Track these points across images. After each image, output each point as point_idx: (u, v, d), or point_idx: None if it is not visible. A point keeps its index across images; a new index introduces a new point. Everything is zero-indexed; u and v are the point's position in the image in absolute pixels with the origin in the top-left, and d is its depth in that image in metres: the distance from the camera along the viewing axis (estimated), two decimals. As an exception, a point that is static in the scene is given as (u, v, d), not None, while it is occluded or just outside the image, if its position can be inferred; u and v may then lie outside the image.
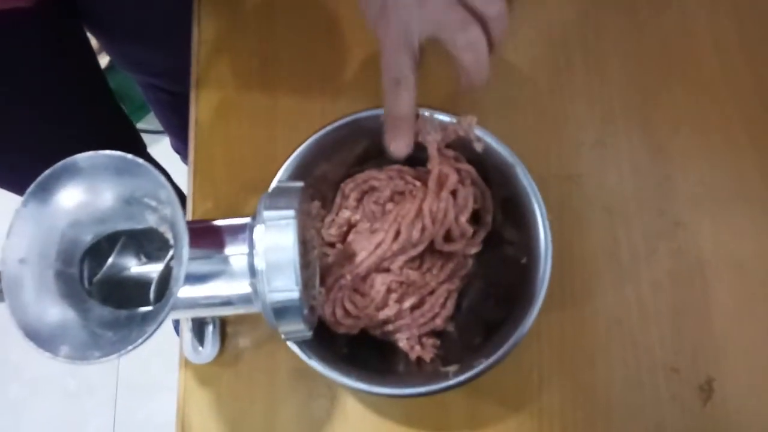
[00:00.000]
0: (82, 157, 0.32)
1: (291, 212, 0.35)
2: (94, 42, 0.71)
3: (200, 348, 0.46)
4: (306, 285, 0.37)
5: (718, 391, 0.44)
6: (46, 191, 0.32)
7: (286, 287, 0.34)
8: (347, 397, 0.46)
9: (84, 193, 0.33)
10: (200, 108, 0.53)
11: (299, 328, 0.36)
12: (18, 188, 0.71)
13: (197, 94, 0.54)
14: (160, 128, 1.27)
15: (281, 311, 0.35)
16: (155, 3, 0.65)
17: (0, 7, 0.52)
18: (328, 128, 0.44)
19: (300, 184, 0.38)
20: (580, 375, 0.45)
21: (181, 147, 1.19)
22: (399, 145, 0.41)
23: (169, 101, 0.92)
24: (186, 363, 0.47)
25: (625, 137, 0.51)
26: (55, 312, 0.32)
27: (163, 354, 1.21)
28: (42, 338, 0.31)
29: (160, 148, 1.34)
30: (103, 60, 0.82)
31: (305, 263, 0.37)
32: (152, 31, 0.67)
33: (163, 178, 0.32)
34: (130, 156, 0.32)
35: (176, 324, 1.26)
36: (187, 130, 0.54)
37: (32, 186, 0.32)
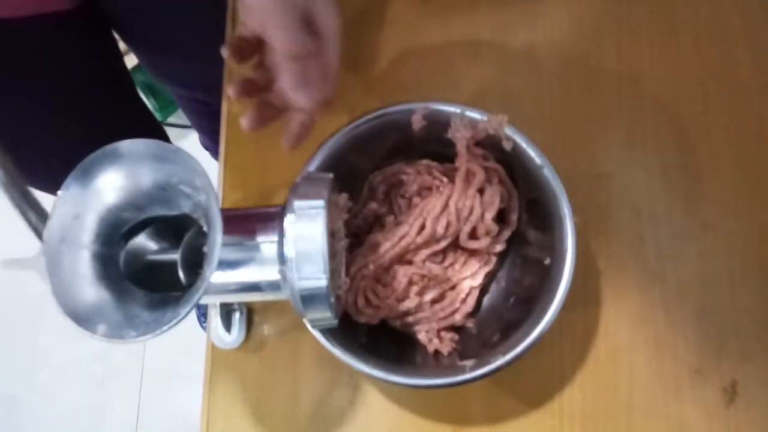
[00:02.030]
0: (123, 144, 0.33)
1: (321, 202, 0.35)
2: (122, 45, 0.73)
3: (227, 334, 0.47)
4: (332, 274, 0.37)
5: (742, 394, 0.44)
6: (87, 175, 0.33)
7: (314, 275, 0.35)
8: (369, 386, 0.46)
9: (123, 179, 0.34)
10: (233, 102, 0.55)
11: (326, 315, 0.37)
12: (47, 186, 0.72)
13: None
14: (188, 123, 1.29)
15: (309, 298, 0.36)
16: (186, 16, 0.65)
17: (41, 11, 0.54)
18: (358, 121, 0.45)
19: (329, 175, 0.39)
20: (602, 373, 0.45)
21: (210, 144, 1.20)
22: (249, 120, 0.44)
23: (201, 110, 0.94)
24: (213, 348, 0.48)
25: (655, 137, 0.51)
26: (92, 292, 0.34)
27: (187, 346, 1.23)
28: (80, 317, 0.32)
29: (189, 142, 1.36)
30: (133, 59, 0.84)
31: (332, 253, 0.38)
32: (183, 45, 0.68)
33: (199, 165, 0.33)
34: (168, 144, 0.33)
35: (201, 319, 1.28)
36: (217, 131, 0.55)
37: (75, 170, 0.33)
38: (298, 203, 0.36)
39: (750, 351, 0.45)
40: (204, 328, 1.28)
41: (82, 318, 0.32)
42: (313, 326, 0.40)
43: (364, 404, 0.46)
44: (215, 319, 0.47)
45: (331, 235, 0.37)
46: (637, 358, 0.46)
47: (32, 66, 0.57)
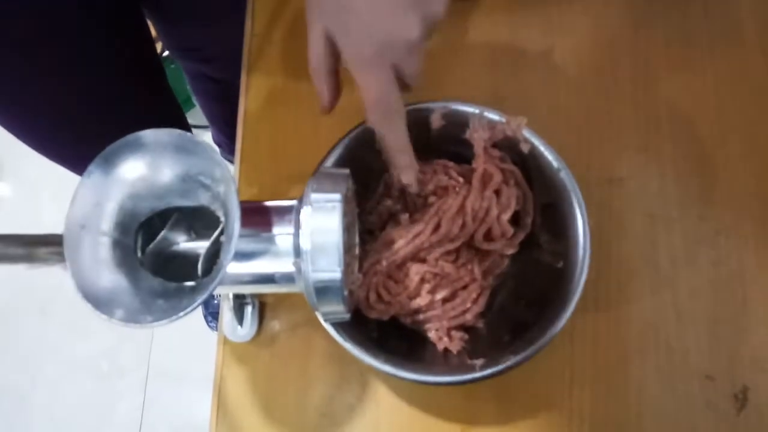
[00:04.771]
0: (146, 134, 0.33)
1: (338, 196, 0.36)
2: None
3: (239, 327, 0.48)
4: (346, 269, 0.38)
5: (753, 401, 0.44)
6: (109, 163, 0.34)
7: (329, 268, 0.35)
8: (378, 383, 0.46)
9: (144, 168, 0.35)
10: (250, 97, 0.55)
11: (338, 309, 0.37)
12: (72, 164, 0.74)
13: (248, 83, 0.56)
14: (203, 123, 1.30)
15: (323, 291, 0.36)
16: None
17: None
18: None
19: (346, 170, 0.40)
20: (613, 378, 0.45)
21: (222, 139, 1.22)
22: (410, 176, 0.42)
23: (217, 92, 0.95)
24: (225, 341, 0.48)
25: (670, 143, 0.51)
26: (110, 278, 0.34)
27: (194, 345, 1.24)
28: (99, 301, 0.32)
29: (202, 141, 1.38)
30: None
31: (347, 247, 0.38)
32: (209, 14, 0.70)
33: (219, 157, 0.34)
34: (189, 135, 0.34)
35: (208, 318, 1.29)
36: (230, 122, 0.56)
37: (97, 157, 0.33)
38: (315, 196, 0.36)
39: (761, 358, 0.45)
40: (211, 327, 1.29)
41: (101, 302, 0.32)
42: (326, 320, 0.40)
43: (373, 401, 0.46)
44: (228, 312, 0.47)
45: (346, 230, 0.38)
46: (648, 362, 0.45)
47: (60, 40, 0.58)
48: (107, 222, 0.35)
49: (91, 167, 0.33)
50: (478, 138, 0.44)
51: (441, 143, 0.47)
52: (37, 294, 1.38)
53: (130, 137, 0.34)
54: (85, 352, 1.33)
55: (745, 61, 0.53)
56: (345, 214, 0.37)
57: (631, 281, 0.47)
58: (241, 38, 0.57)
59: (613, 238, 0.49)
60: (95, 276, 0.34)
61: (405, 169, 0.42)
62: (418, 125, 0.45)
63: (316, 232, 0.35)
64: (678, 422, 0.44)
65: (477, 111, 0.44)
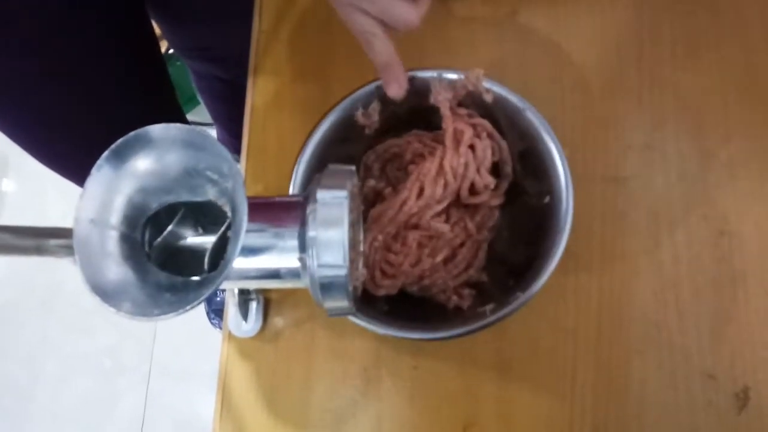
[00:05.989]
0: (155, 128, 0.34)
1: (344, 192, 0.36)
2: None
3: (244, 323, 0.48)
4: (351, 264, 0.38)
5: (754, 400, 0.44)
6: (119, 158, 0.34)
7: (334, 263, 0.35)
8: (381, 379, 0.47)
9: (153, 163, 0.35)
10: (256, 95, 0.56)
11: (344, 305, 0.37)
12: (71, 175, 0.74)
13: (254, 81, 0.56)
14: (208, 120, 1.30)
15: (328, 287, 0.36)
16: None
17: None
18: (344, 103, 0.47)
19: (352, 167, 0.40)
20: (615, 374, 0.46)
21: (227, 138, 1.22)
22: (393, 88, 0.44)
23: (222, 90, 0.95)
24: (229, 336, 0.48)
25: (674, 142, 0.51)
26: (118, 271, 0.34)
27: (197, 343, 1.24)
28: (106, 293, 0.33)
29: (207, 139, 1.38)
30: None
31: (351, 244, 0.39)
32: (217, 14, 0.70)
33: (227, 153, 0.34)
34: (198, 130, 0.34)
35: (210, 315, 1.29)
36: (235, 121, 0.56)
37: (107, 151, 0.34)
38: (321, 193, 0.36)
39: (763, 357, 0.45)
40: (214, 324, 1.29)
41: (108, 295, 0.32)
42: (331, 315, 0.40)
43: (376, 396, 0.47)
44: (233, 307, 0.48)
45: (351, 226, 0.38)
46: (650, 360, 0.46)
47: (62, 45, 0.58)
48: (116, 216, 0.35)
49: (101, 161, 0.34)
50: (442, 100, 0.45)
51: (411, 117, 0.48)
52: (39, 291, 1.38)
53: (140, 132, 0.34)
54: (87, 349, 1.33)
55: (752, 60, 0.53)
56: (350, 210, 0.37)
57: (635, 279, 0.48)
58: (248, 38, 0.57)
59: (618, 236, 0.49)
60: (103, 269, 0.34)
61: (390, 83, 0.44)
62: (384, 102, 0.46)
63: (322, 227, 0.35)
64: (679, 421, 0.44)
65: (435, 74, 0.45)
